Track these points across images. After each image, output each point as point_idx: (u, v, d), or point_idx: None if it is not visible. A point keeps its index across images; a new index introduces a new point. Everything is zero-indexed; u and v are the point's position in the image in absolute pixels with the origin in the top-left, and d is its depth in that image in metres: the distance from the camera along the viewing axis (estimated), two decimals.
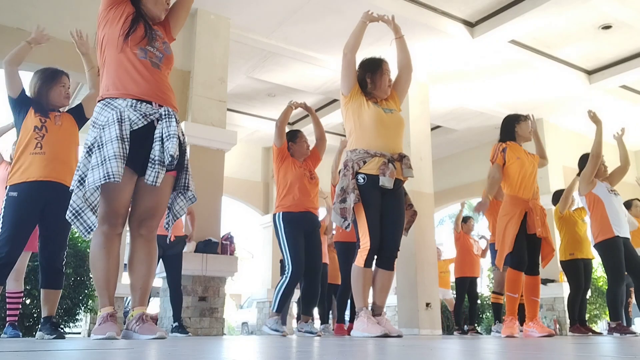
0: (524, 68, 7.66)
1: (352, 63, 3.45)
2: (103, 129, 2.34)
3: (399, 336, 3.17)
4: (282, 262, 4.60)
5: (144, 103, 2.41)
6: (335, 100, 8.69)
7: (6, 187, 3.24)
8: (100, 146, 2.31)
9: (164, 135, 2.38)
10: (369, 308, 3.28)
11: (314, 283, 4.39)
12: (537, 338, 3.65)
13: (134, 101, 2.39)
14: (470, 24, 6.82)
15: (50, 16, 5.97)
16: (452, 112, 9.37)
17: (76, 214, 2.31)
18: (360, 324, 3.20)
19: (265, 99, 9.05)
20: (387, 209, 3.32)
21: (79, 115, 3.50)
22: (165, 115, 2.42)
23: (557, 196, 6.15)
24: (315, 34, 6.81)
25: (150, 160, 2.36)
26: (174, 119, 2.43)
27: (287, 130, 4.60)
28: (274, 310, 4.23)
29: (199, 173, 5.19)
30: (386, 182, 3.21)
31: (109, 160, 2.25)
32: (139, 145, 2.37)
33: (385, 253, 3.30)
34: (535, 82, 8.10)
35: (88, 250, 5.91)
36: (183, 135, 2.58)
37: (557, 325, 8.29)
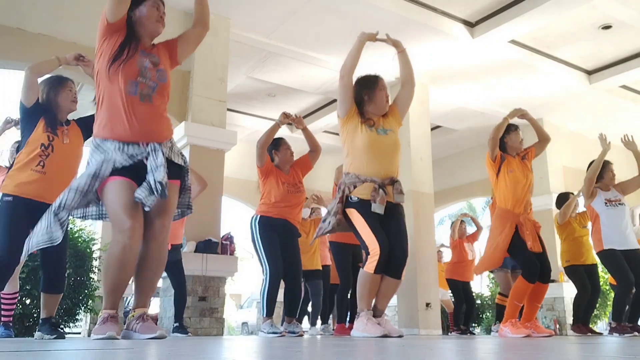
0: (524, 68, 7.66)
1: (349, 86, 3.42)
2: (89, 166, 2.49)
3: (400, 336, 3.17)
4: None
5: (131, 145, 2.47)
6: (335, 100, 8.69)
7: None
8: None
9: (152, 169, 2.44)
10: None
11: (296, 288, 4.35)
12: (538, 338, 3.66)
13: (122, 144, 2.46)
14: (470, 24, 6.82)
15: (51, 16, 5.96)
16: (452, 112, 9.36)
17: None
18: (360, 324, 3.20)
19: (265, 99, 9.05)
20: (388, 222, 3.31)
21: (87, 126, 3.47)
22: (152, 150, 2.48)
23: (560, 199, 6.15)
24: (315, 34, 6.80)
25: (146, 183, 2.42)
26: (160, 153, 2.48)
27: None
28: (265, 316, 4.19)
29: (200, 173, 5.18)
30: (377, 208, 3.22)
31: (69, 191, 2.43)
32: (131, 169, 2.47)
33: (394, 262, 3.27)
34: (535, 82, 8.09)
35: (88, 250, 5.94)
36: (183, 157, 2.67)
37: (557, 325, 8.29)
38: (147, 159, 2.47)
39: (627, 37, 7.06)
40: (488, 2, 6.39)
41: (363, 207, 3.26)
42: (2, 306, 4.16)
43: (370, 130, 3.37)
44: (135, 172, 2.45)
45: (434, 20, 6.54)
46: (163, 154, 2.48)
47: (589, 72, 8.09)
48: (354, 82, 3.50)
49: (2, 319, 4.14)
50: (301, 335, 4.29)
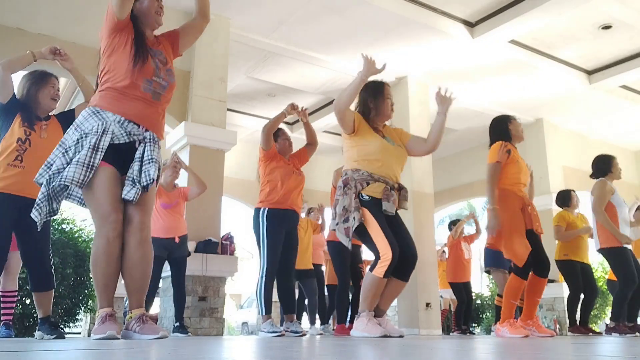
0: (524, 68, 7.66)
1: (348, 114, 3.36)
2: (86, 136, 2.40)
3: (400, 336, 3.16)
4: None
5: (132, 123, 2.46)
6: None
7: None
8: (77, 152, 2.38)
9: (145, 158, 2.44)
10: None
11: (287, 283, 4.37)
12: (538, 338, 3.64)
13: (122, 119, 2.44)
14: (470, 24, 6.82)
15: (50, 16, 5.96)
16: (452, 112, 9.21)
17: (37, 205, 2.39)
18: (360, 324, 3.20)
19: (265, 99, 9.05)
20: (392, 224, 3.31)
21: (69, 121, 3.46)
22: (150, 140, 2.48)
23: (560, 197, 6.15)
24: (315, 34, 6.81)
25: (129, 178, 2.42)
26: (158, 147, 2.50)
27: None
28: (264, 314, 4.21)
29: (199, 173, 5.20)
30: (389, 207, 3.23)
31: (75, 164, 2.33)
32: (119, 154, 2.44)
33: (405, 264, 3.26)
34: (535, 82, 8.09)
35: (88, 250, 5.95)
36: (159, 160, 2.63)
37: (557, 325, 8.28)
38: (139, 143, 2.47)
39: (627, 37, 7.06)
40: (488, 2, 6.39)
41: (375, 206, 3.25)
42: (2, 305, 4.15)
43: (383, 139, 3.40)
44: (120, 157, 2.44)
45: (433, 20, 6.54)
46: (159, 149, 2.51)
47: (589, 72, 8.09)
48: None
49: (3, 318, 4.13)
50: (304, 335, 4.29)
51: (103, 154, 2.37)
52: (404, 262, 3.24)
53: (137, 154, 2.44)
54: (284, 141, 4.51)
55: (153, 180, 2.40)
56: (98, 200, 2.39)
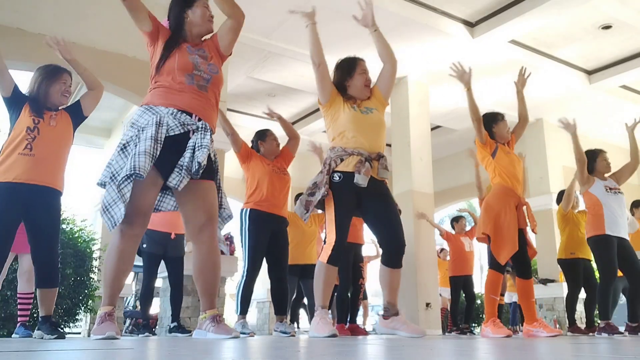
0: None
1: (325, 72, 3.36)
2: (143, 130, 2.43)
3: (420, 336, 3.11)
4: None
5: (184, 114, 2.51)
6: None
7: None
8: (136, 145, 2.40)
9: (196, 145, 2.48)
10: (328, 309, 3.22)
11: (281, 283, 4.34)
12: (544, 338, 3.60)
13: (175, 110, 2.50)
14: (470, 24, 6.82)
15: (51, 16, 5.96)
16: (452, 112, 9.36)
17: (105, 209, 2.37)
18: (313, 323, 3.18)
19: (265, 99, 9.05)
20: (378, 210, 3.24)
21: (76, 113, 3.46)
22: (202, 128, 2.52)
23: (561, 196, 6.15)
24: None
25: (177, 165, 2.45)
26: (209, 134, 2.54)
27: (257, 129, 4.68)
28: (238, 314, 4.21)
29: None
30: (360, 179, 3.12)
31: (138, 155, 2.34)
32: (172, 152, 2.46)
33: (392, 251, 3.22)
34: (535, 82, 8.06)
35: (88, 250, 5.94)
36: (215, 156, 2.68)
37: (557, 325, 8.28)
38: (193, 132, 2.51)
39: (627, 37, 7.06)
40: (488, 2, 6.40)
41: (342, 189, 3.19)
42: (19, 306, 4.13)
43: (354, 110, 3.32)
44: (176, 150, 2.47)
45: (433, 20, 6.54)
46: (211, 137, 2.55)
47: (589, 72, 8.09)
48: (334, 67, 3.49)
49: (20, 319, 4.10)
50: (292, 336, 4.25)
51: (161, 146, 2.42)
52: (390, 250, 3.22)
53: (190, 143, 2.49)
54: (271, 142, 4.51)
55: (200, 164, 2.43)
56: (134, 203, 2.41)
